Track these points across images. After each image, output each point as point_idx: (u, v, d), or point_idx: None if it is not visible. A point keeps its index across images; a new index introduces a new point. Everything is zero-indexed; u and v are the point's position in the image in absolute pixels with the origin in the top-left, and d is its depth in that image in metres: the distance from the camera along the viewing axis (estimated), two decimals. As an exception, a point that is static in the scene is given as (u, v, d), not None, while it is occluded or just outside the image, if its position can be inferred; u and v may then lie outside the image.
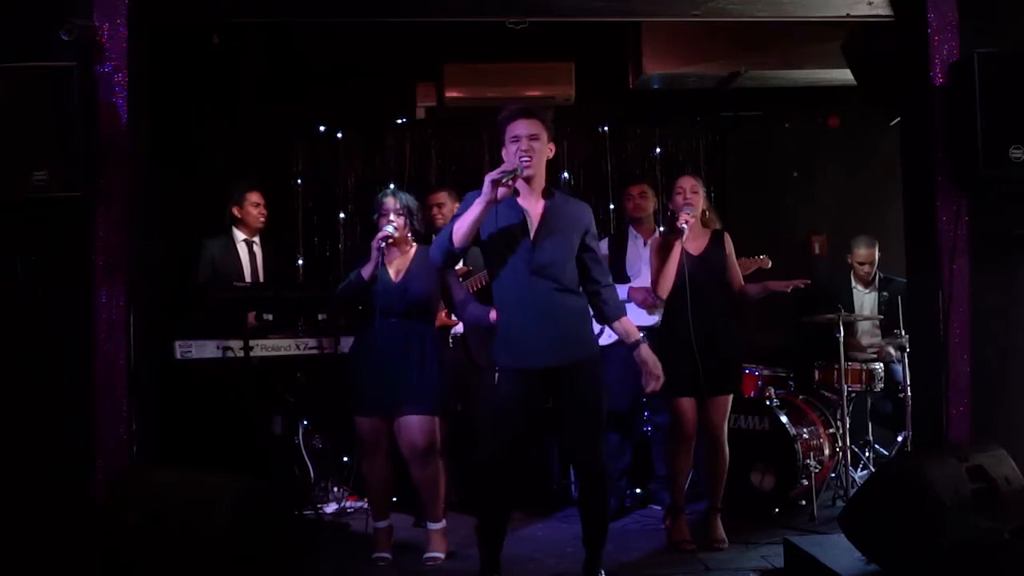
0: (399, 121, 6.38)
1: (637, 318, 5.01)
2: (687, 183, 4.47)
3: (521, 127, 3.53)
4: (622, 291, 5.03)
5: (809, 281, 4.80)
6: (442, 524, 4.23)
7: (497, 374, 3.55)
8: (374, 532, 4.27)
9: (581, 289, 3.66)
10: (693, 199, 4.42)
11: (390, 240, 4.12)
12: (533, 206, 3.58)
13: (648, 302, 5.01)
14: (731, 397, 4.50)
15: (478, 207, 3.45)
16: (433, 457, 4.15)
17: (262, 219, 5.30)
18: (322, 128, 6.37)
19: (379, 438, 4.18)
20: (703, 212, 4.52)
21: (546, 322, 3.50)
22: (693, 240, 4.44)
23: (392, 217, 4.16)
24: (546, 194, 3.62)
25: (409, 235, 4.25)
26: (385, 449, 4.21)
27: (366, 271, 4.12)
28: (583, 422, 3.56)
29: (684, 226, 4.29)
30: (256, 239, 5.33)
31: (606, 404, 3.62)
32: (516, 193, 3.57)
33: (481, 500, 3.71)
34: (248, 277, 5.19)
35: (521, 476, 3.69)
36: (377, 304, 4.13)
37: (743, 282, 4.58)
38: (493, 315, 3.93)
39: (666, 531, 4.49)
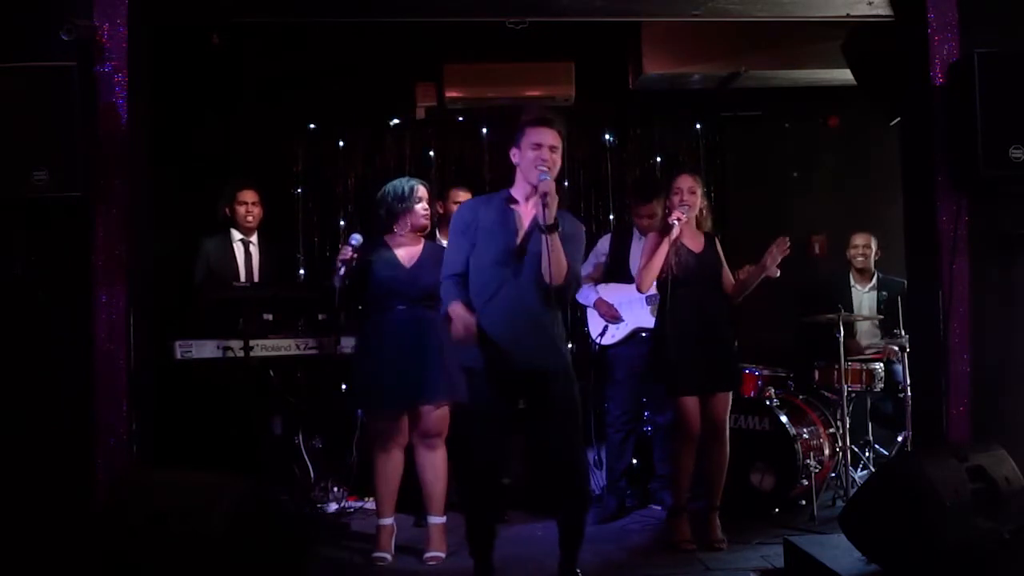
0: (398, 121, 6.38)
1: (640, 319, 5.02)
2: (685, 183, 4.44)
3: (546, 136, 3.49)
4: (592, 297, 5.03)
5: (787, 240, 4.77)
6: (443, 519, 4.23)
7: (474, 374, 3.57)
8: (377, 529, 4.27)
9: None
10: (690, 200, 4.41)
11: (352, 256, 4.13)
12: (529, 214, 3.57)
13: (609, 316, 5.03)
14: (731, 395, 4.51)
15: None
16: (440, 442, 4.18)
17: (250, 218, 5.26)
18: (322, 128, 6.37)
19: (397, 432, 4.20)
20: (700, 211, 4.51)
21: (525, 328, 3.50)
22: (692, 238, 4.44)
23: (425, 206, 4.20)
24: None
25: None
26: (403, 444, 4.23)
27: (336, 280, 4.15)
28: (559, 423, 3.54)
29: (675, 222, 4.28)
30: (253, 239, 5.31)
31: (578, 407, 3.59)
32: (515, 201, 3.59)
33: (466, 504, 3.73)
34: (243, 277, 5.17)
35: (501, 478, 3.69)
36: (386, 290, 4.13)
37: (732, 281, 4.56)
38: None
39: (669, 530, 4.49)
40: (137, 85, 3.72)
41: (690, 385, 4.34)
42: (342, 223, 6.39)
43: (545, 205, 3.36)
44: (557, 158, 3.53)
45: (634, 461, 5.25)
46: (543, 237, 3.38)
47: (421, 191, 4.24)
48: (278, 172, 6.24)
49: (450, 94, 5.93)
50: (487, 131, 6.37)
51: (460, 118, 6.33)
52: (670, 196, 4.47)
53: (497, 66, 5.86)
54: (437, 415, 4.13)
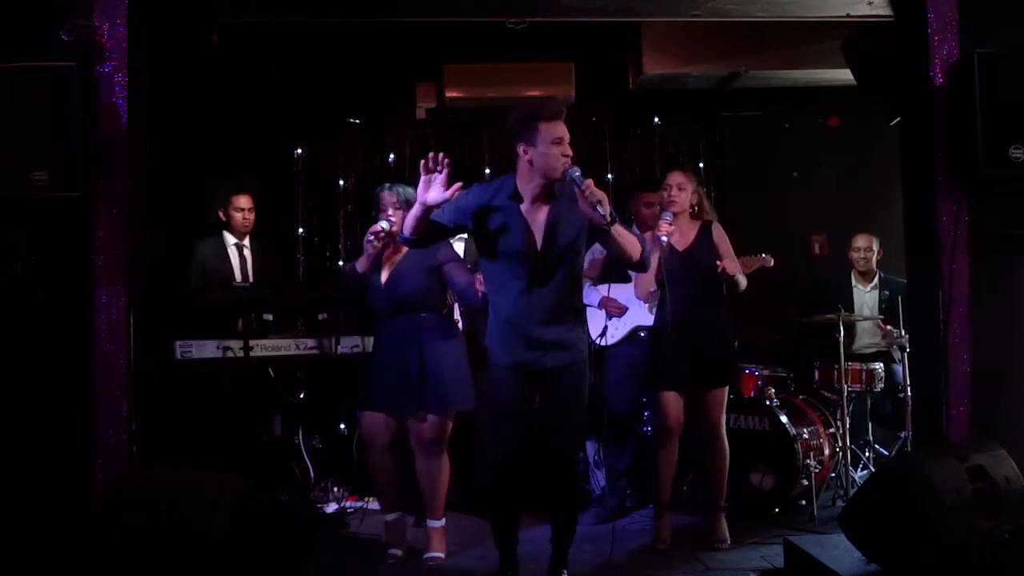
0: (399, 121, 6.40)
1: (639, 318, 5.02)
2: (675, 179, 4.44)
3: (564, 130, 3.43)
4: (595, 297, 5.03)
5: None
6: (442, 523, 4.23)
7: (494, 369, 3.57)
8: (385, 526, 4.30)
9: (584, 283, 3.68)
10: (678, 196, 4.40)
11: (382, 235, 4.09)
12: (538, 216, 3.50)
13: (616, 310, 5.03)
14: (726, 390, 4.47)
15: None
16: (438, 450, 4.16)
17: (247, 224, 5.25)
18: (322, 128, 6.37)
19: (379, 433, 4.20)
20: (692, 206, 4.48)
21: (539, 329, 3.49)
22: (679, 234, 4.42)
23: (390, 212, 4.14)
24: (550, 197, 3.51)
25: None
26: (385, 444, 4.22)
27: (360, 264, 4.14)
28: (560, 419, 3.56)
29: (664, 239, 4.26)
30: (246, 242, 5.30)
31: (585, 407, 3.61)
32: (520, 200, 3.51)
33: (488, 500, 3.73)
34: (239, 280, 5.15)
35: (525, 474, 3.67)
36: (374, 306, 4.19)
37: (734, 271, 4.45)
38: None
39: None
40: (137, 85, 3.72)
41: (674, 382, 4.34)
42: (342, 223, 6.39)
43: (599, 203, 3.28)
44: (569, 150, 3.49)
45: (634, 461, 5.25)
46: (609, 231, 3.35)
47: (384, 200, 4.18)
48: (278, 173, 6.24)
49: (450, 94, 5.93)
50: (487, 131, 6.37)
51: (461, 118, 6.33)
52: (660, 192, 4.49)
53: (497, 66, 5.86)
54: (429, 423, 4.11)
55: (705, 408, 4.41)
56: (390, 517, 4.28)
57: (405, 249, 4.21)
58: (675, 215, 4.40)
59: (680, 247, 4.41)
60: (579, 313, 3.65)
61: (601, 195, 3.31)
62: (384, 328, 4.19)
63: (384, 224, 4.09)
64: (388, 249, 4.21)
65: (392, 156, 6.41)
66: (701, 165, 6.55)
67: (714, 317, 4.44)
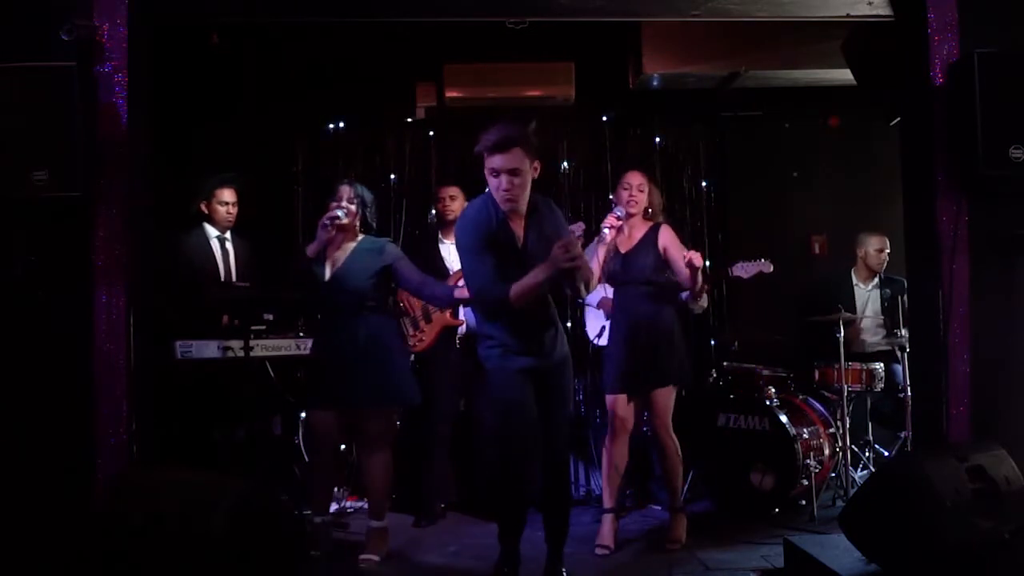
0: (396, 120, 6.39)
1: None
2: (634, 180, 4.45)
3: (499, 161, 3.47)
4: (594, 297, 5.01)
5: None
6: (383, 523, 4.23)
7: (497, 377, 3.60)
8: (315, 527, 4.29)
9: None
10: (638, 197, 4.42)
11: (337, 221, 4.11)
12: (520, 226, 3.62)
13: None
14: (672, 391, 4.43)
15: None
16: (382, 446, 4.18)
17: (230, 218, 5.19)
18: (322, 128, 6.37)
19: (326, 431, 4.20)
20: (646, 209, 4.49)
21: (533, 331, 3.58)
22: (627, 236, 4.43)
23: (344, 203, 4.17)
24: (529, 212, 3.62)
25: (358, 226, 4.26)
26: (331, 445, 4.22)
27: (311, 248, 4.16)
28: (556, 416, 3.64)
29: (605, 230, 4.24)
30: (228, 235, 5.25)
31: (572, 402, 3.70)
32: (503, 214, 3.58)
33: (498, 500, 3.75)
34: (223, 275, 5.13)
35: (535, 473, 3.69)
36: (321, 300, 4.21)
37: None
38: (458, 291, 3.94)
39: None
40: (137, 85, 3.72)
41: (618, 384, 4.35)
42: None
43: (570, 277, 3.46)
44: (519, 180, 3.50)
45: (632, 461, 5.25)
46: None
47: (341, 191, 4.24)
48: (278, 172, 6.24)
49: (450, 94, 5.93)
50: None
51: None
52: (618, 191, 4.49)
53: (497, 66, 5.86)
54: (374, 418, 4.11)
55: (650, 411, 4.43)
56: (319, 519, 4.28)
57: (354, 245, 4.23)
58: (631, 215, 4.40)
59: (623, 249, 4.42)
60: (556, 318, 3.74)
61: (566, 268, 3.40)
62: (326, 324, 4.20)
63: (340, 212, 4.12)
64: (337, 239, 4.20)
65: (392, 156, 6.41)
66: (701, 165, 6.56)
67: (658, 317, 4.40)
